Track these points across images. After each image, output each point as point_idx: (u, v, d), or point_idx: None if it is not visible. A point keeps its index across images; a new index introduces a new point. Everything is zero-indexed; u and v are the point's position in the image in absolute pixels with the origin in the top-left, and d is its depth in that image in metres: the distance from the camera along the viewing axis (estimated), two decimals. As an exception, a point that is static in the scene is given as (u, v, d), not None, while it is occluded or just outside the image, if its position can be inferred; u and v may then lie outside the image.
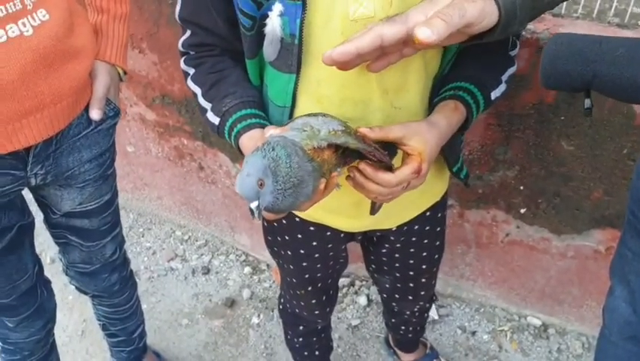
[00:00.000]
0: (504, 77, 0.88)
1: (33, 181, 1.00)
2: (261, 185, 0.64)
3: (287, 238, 1.10)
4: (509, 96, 1.34)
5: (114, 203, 1.19)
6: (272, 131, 0.74)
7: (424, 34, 0.61)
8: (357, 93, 0.81)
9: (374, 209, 0.89)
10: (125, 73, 1.07)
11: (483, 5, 0.64)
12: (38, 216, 1.16)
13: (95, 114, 0.99)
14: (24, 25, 0.82)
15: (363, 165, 0.75)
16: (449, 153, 0.94)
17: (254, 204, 0.65)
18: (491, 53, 0.87)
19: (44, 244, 1.95)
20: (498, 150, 1.44)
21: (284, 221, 1.06)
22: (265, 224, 1.13)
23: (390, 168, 0.76)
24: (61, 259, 1.30)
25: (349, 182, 0.79)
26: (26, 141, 0.90)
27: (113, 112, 1.05)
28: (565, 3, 1.31)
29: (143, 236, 2.11)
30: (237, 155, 1.75)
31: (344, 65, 0.69)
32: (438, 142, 0.79)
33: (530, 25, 1.25)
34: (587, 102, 0.75)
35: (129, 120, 1.88)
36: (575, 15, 1.29)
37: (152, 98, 1.76)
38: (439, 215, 1.11)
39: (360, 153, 0.73)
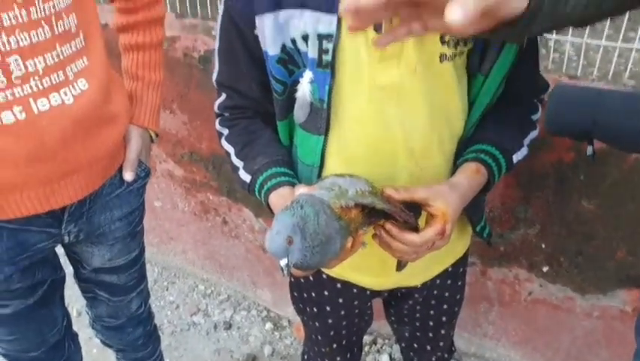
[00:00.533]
0: (526, 141, 0.91)
1: (66, 239, 1.04)
2: (289, 242, 0.67)
3: (313, 294, 1.11)
4: (533, 155, 1.36)
5: (141, 259, 1.23)
6: (301, 189, 0.77)
7: (456, 14, 0.53)
8: (383, 153, 0.85)
9: (400, 266, 0.91)
10: (156, 135, 1.13)
11: None
12: (67, 269, 1.21)
13: (129, 176, 1.04)
14: (65, 94, 0.88)
15: (389, 226, 0.78)
16: (473, 213, 0.97)
17: (283, 262, 0.68)
18: (513, 116, 0.90)
19: (72, 297, 1.98)
20: (518, 208, 1.45)
21: (311, 278, 1.08)
22: (292, 280, 1.15)
23: (415, 229, 0.79)
24: (87, 313, 1.33)
25: (375, 240, 0.82)
26: (63, 201, 0.95)
27: (144, 172, 1.10)
28: (580, 65, 1.35)
29: (167, 290, 2.14)
30: (261, 210, 1.80)
31: (357, 18, 0.61)
32: (460, 203, 0.81)
33: (547, 88, 1.29)
34: (590, 149, 0.77)
35: (158, 177, 1.94)
36: (591, 77, 1.32)
37: (181, 155, 1.83)
38: (461, 270, 1.13)
39: (386, 213, 0.76)
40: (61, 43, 0.86)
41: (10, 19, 0.80)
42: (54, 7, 0.84)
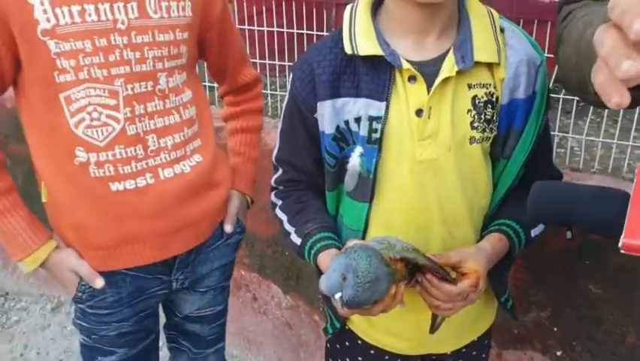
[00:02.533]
0: None
1: (174, 285, 1.21)
2: (344, 279, 0.79)
3: (348, 360, 1.19)
4: (540, 242, 1.47)
5: (223, 316, 1.38)
6: (355, 241, 0.90)
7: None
8: (420, 221, 0.98)
9: (433, 327, 1.01)
10: (252, 202, 1.31)
11: None
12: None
13: (229, 228, 1.24)
14: (184, 165, 1.11)
15: (430, 276, 0.90)
16: (497, 283, 1.08)
17: (338, 295, 0.80)
18: None
19: None
20: (530, 291, 1.53)
21: (347, 343, 1.17)
22: (328, 345, 1.23)
23: (448, 282, 0.90)
24: None
25: (417, 288, 0.92)
26: (176, 251, 1.15)
27: (240, 228, 1.29)
28: (582, 160, 1.48)
29: (196, 364, 2.22)
30: (288, 287, 1.91)
31: None
32: (486, 264, 0.94)
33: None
34: (568, 234, 0.89)
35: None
36: (592, 170, 1.45)
37: (218, 233, 1.98)
38: (486, 342, 1.21)
39: (426, 270, 0.89)
40: (187, 127, 1.10)
41: (152, 107, 1.05)
42: (182, 99, 1.09)
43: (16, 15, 0.93)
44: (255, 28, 1.96)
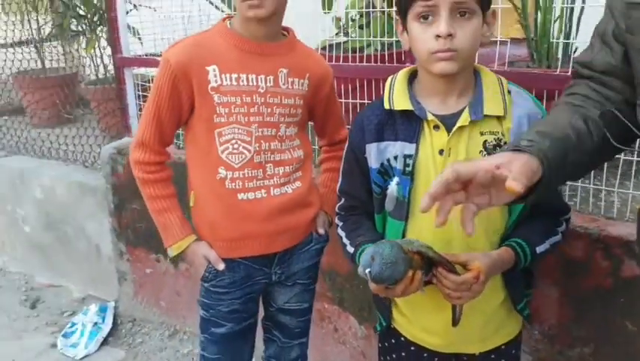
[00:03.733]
0: (549, 241, 1.29)
1: (273, 277, 1.61)
2: (372, 259, 1.12)
3: (394, 355, 1.46)
4: (576, 280, 1.66)
5: (308, 314, 1.73)
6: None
7: (516, 186, 0.89)
8: (444, 237, 1.27)
9: (454, 319, 1.27)
10: (332, 222, 1.65)
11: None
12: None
13: (321, 231, 1.64)
14: (288, 188, 1.53)
15: (440, 269, 1.19)
16: (513, 293, 1.34)
17: (367, 270, 1.12)
18: (541, 224, 1.30)
19: None
20: (573, 326, 1.70)
21: (393, 340, 1.45)
22: (379, 345, 1.51)
23: (455, 273, 1.19)
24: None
25: (434, 280, 1.21)
26: (277, 248, 1.56)
27: (324, 238, 1.67)
28: (616, 208, 1.68)
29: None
30: (364, 318, 2.19)
31: (438, 209, 0.99)
32: (491, 265, 1.20)
33: (585, 223, 1.63)
34: None
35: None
36: (625, 219, 1.64)
37: (306, 270, 2.33)
38: (513, 352, 1.42)
39: (437, 263, 1.18)
40: (295, 163, 1.54)
41: (273, 146, 1.49)
42: (293, 144, 1.54)
43: (196, 76, 1.42)
44: (350, 100, 2.35)
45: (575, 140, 1.00)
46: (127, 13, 2.87)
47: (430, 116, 1.25)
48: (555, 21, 1.98)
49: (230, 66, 1.42)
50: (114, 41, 2.79)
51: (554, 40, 1.96)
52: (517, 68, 2.04)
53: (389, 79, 1.34)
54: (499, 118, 1.25)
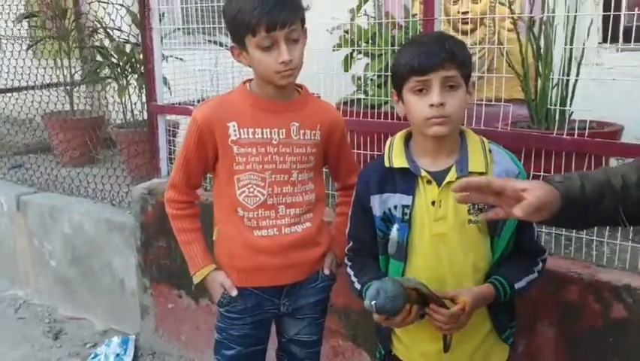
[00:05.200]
0: (526, 279, 1.49)
1: (281, 308, 1.78)
2: (377, 293, 1.31)
3: None
4: (570, 320, 1.84)
5: (317, 346, 1.89)
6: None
7: (517, 212, 1.08)
8: (437, 275, 1.47)
9: (445, 345, 1.47)
10: (340, 263, 1.83)
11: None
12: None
13: (327, 270, 1.79)
14: (298, 228, 1.71)
15: (432, 305, 1.39)
16: (498, 324, 1.54)
17: (373, 302, 1.31)
18: (519, 264, 1.51)
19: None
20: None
21: None
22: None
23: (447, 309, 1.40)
24: None
25: (427, 317, 1.41)
26: (286, 280, 1.74)
27: (331, 277, 1.83)
28: (606, 257, 1.87)
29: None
30: (374, 354, 2.34)
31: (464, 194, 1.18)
32: (473, 298, 1.40)
33: (578, 269, 1.83)
34: None
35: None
36: (614, 266, 1.83)
37: (322, 308, 2.50)
38: None
39: (430, 298, 1.38)
40: (305, 205, 1.72)
41: (285, 190, 1.68)
42: (305, 188, 1.72)
43: (219, 131, 1.65)
44: (368, 152, 2.56)
45: (619, 189, 1.11)
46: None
47: (423, 173, 1.48)
48: (553, 88, 2.22)
49: (247, 122, 1.64)
50: (149, 90, 3.04)
51: (552, 108, 2.19)
52: (519, 128, 2.27)
53: (389, 140, 1.58)
54: (481, 173, 1.47)
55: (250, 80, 1.71)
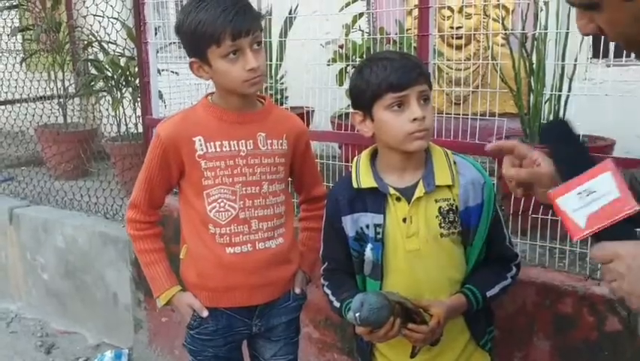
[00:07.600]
0: (499, 286, 1.52)
1: (253, 329, 1.74)
2: (361, 305, 1.32)
3: None
4: (565, 332, 1.86)
5: None
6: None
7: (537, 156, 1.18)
8: (414, 291, 1.47)
9: (412, 353, 1.48)
10: (310, 279, 1.83)
11: None
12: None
13: (298, 290, 1.75)
14: (272, 243, 1.66)
15: (411, 325, 1.40)
16: (475, 332, 1.55)
17: (357, 314, 1.31)
18: (491, 271, 1.53)
19: None
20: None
21: None
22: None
23: (424, 322, 1.40)
24: None
25: (405, 332, 1.41)
26: (258, 301, 1.69)
27: (302, 296, 1.81)
28: (600, 270, 1.89)
29: None
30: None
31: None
32: (445, 310, 1.42)
33: (573, 283, 1.84)
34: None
35: (300, 339, 2.60)
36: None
37: (319, 321, 2.50)
38: None
39: (411, 311, 1.40)
40: (277, 219, 1.70)
41: (257, 203, 1.63)
42: (276, 200, 1.68)
43: (184, 146, 1.60)
44: (337, 162, 2.58)
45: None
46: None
47: (392, 191, 1.49)
48: (545, 103, 2.25)
49: (213, 135, 1.60)
50: (145, 104, 3.05)
51: (544, 122, 2.22)
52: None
53: (354, 160, 1.58)
54: (448, 186, 1.49)
55: (212, 94, 1.68)
